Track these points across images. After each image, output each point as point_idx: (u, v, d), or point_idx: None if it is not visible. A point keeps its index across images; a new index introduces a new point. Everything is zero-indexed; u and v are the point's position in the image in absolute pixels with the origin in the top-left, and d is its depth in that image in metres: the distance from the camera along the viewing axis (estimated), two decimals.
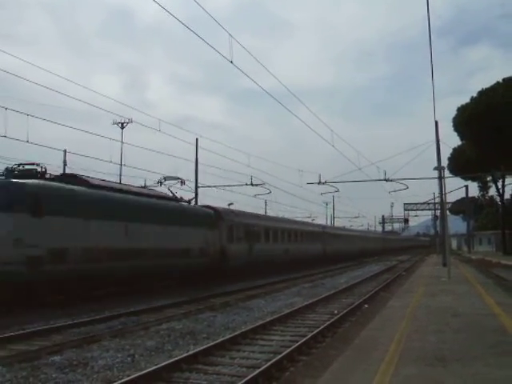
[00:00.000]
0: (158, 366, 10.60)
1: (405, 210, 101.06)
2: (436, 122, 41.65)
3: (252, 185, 51.75)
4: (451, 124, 67.09)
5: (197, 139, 48.26)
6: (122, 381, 9.48)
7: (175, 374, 10.49)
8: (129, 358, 11.86)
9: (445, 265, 38.12)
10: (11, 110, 28.23)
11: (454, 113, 66.30)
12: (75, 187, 22.21)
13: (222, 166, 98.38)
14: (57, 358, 11.81)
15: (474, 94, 63.16)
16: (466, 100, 64.26)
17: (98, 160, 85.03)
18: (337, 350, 10.95)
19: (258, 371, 10.05)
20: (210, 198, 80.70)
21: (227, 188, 54.79)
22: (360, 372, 8.91)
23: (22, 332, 14.72)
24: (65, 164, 48.60)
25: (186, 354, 11.75)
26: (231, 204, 61.27)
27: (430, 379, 8.33)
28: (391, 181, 47.32)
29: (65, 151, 48.62)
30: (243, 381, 9.31)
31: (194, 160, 48.32)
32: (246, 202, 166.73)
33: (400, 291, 24.59)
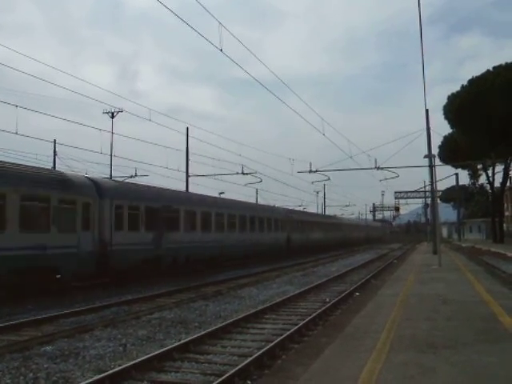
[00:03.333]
0: (150, 355, 10.60)
1: (395, 198, 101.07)
2: (427, 111, 41.66)
3: (243, 174, 51.68)
4: (442, 112, 67.12)
5: (187, 128, 48.17)
6: (114, 370, 9.49)
7: (167, 363, 10.50)
8: (120, 348, 11.88)
9: (435, 252, 38.26)
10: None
11: (444, 101, 66.33)
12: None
13: (213, 155, 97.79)
14: (48, 348, 11.81)
15: (465, 82, 63.17)
16: (456, 88, 64.19)
17: (88, 151, 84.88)
18: (328, 338, 10.96)
19: (249, 359, 10.07)
20: (201, 187, 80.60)
21: (218, 177, 54.78)
22: (351, 359, 8.93)
23: (11, 323, 14.68)
24: (55, 154, 48.41)
25: (177, 343, 11.78)
26: (222, 193, 61.23)
27: (421, 366, 8.36)
28: (382, 169, 47.41)
29: (55, 142, 48.46)
30: (235, 369, 9.33)
31: (184, 149, 48.22)
32: (237, 191, 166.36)
33: (391, 279, 24.65)
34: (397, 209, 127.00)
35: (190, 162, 48.43)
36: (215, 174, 53.97)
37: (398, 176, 54.61)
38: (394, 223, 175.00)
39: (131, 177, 49.26)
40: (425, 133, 41.38)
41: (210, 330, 13.36)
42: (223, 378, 8.85)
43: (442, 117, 67.18)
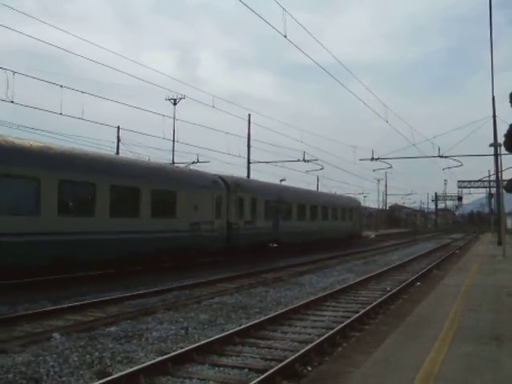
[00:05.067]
0: (211, 338, 10.74)
1: (458, 187, 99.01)
2: (493, 98, 40.70)
3: (304, 161, 51.45)
4: (509, 100, 65.32)
5: (249, 115, 48.28)
6: (176, 352, 9.65)
7: (228, 347, 10.61)
8: (182, 331, 12.05)
9: (500, 243, 37.44)
10: (66, 87, 28.56)
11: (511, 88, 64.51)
12: None
13: (274, 141, 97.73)
14: (112, 328, 12.08)
15: None
16: None
17: (151, 136, 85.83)
18: (390, 327, 10.90)
19: (310, 346, 10.09)
20: (263, 174, 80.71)
21: (279, 164, 54.77)
22: (413, 349, 8.87)
23: (78, 303, 15.08)
24: (118, 140, 49.23)
25: (238, 328, 11.89)
26: (283, 180, 61.10)
27: (486, 358, 8.24)
28: (445, 157, 46.55)
29: (118, 127, 49.21)
30: (296, 355, 9.35)
31: (246, 136, 48.35)
32: (298, 178, 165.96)
33: (454, 269, 24.28)
34: (459, 198, 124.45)
35: (251, 149, 48.60)
36: (276, 161, 54.02)
37: (462, 165, 53.42)
38: (456, 213, 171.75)
39: (193, 163, 49.71)
40: (490, 121, 40.53)
41: (270, 315, 13.44)
42: (284, 363, 8.89)
43: (509, 104, 65.43)
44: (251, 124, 48.31)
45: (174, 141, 49.41)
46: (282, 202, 37.28)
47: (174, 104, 54.84)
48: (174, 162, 48.34)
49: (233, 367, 9.24)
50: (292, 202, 39.42)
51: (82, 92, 29.47)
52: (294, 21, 18.94)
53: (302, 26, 19.16)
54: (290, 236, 37.89)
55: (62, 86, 28.12)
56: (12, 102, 23.11)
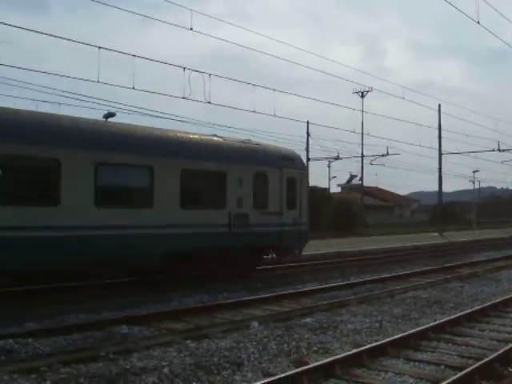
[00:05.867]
0: (406, 333, 10.71)
1: None
2: None
3: (499, 150, 48.98)
4: None
5: (439, 105, 47.07)
6: (371, 345, 9.75)
7: (422, 342, 10.50)
8: (376, 324, 12.10)
9: None
10: (259, 86, 29.54)
11: None
12: None
13: (465, 131, 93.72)
14: (308, 320, 12.41)
15: None
16: None
17: (340, 130, 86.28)
18: None
19: (510, 346, 9.72)
20: (454, 165, 78.22)
21: (471, 154, 52.70)
22: None
23: (273, 294, 15.69)
24: (308, 135, 50.18)
25: (433, 323, 11.74)
26: (477, 171, 58.49)
27: None
28: None
29: (307, 122, 50.17)
30: (495, 354, 9.07)
31: (436, 126, 47.11)
32: (491, 169, 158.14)
33: None
34: None
35: (442, 139, 47.32)
36: (469, 152, 52.02)
37: None
38: None
39: (382, 155, 49.37)
40: None
41: (466, 311, 13.11)
42: (482, 362, 8.66)
43: None
44: (442, 114, 46.99)
45: (362, 133, 49.37)
46: None
47: (362, 97, 54.81)
48: (363, 155, 48.34)
49: (428, 363, 9.15)
50: None
51: (274, 90, 30.28)
52: (489, 5, 18.17)
53: (496, 11, 18.37)
54: None
55: (254, 84, 29.16)
56: (209, 102, 24.34)
